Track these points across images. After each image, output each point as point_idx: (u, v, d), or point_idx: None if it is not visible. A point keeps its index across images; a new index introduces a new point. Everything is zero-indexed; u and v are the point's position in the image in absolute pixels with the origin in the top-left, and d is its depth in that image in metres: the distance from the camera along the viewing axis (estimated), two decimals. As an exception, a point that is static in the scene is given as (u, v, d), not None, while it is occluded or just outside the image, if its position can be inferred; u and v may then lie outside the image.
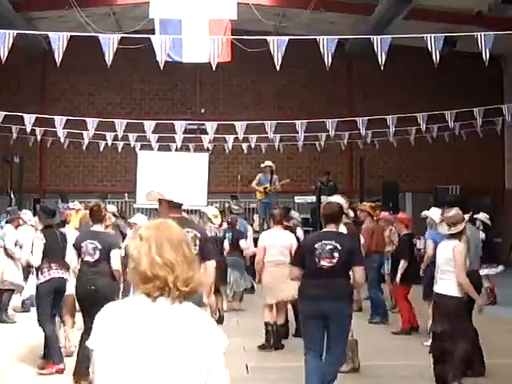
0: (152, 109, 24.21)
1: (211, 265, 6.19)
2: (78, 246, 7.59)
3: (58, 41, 10.77)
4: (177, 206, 6.54)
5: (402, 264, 10.39)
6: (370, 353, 8.46)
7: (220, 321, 11.25)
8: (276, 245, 9.43)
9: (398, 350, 9.42)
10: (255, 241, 14.01)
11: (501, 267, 13.83)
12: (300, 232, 13.26)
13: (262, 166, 18.54)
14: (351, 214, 11.09)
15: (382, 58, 10.92)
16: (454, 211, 7.36)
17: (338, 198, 8.33)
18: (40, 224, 8.37)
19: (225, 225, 13.31)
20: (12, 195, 18.89)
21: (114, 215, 12.20)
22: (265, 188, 18.06)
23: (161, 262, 2.58)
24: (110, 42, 10.91)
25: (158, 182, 20.64)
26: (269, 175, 18.31)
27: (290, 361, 8.41)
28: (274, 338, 9.37)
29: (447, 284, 7.14)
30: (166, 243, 2.63)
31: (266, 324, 9.47)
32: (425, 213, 10.10)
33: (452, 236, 7.22)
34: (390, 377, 7.95)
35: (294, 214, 13.98)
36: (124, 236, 11.37)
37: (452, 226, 7.20)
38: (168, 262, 2.59)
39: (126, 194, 21.32)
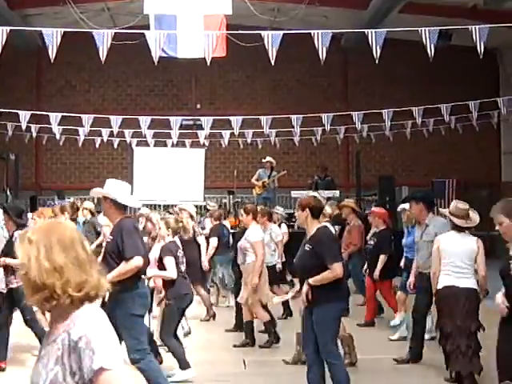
0: (147, 105, 24.19)
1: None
2: None
3: (52, 37, 10.73)
4: (121, 207, 6.48)
5: (383, 259, 10.37)
6: (368, 347, 8.47)
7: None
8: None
9: (393, 342, 9.41)
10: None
11: None
12: (284, 228, 13.21)
13: (264, 161, 18.55)
14: (329, 211, 11.07)
15: (377, 52, 10.90)
16: (463, 203, 7.26)
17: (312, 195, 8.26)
18: (12, 224, 8.23)
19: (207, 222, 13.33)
20: (8, 192, 18.86)
21: (91, 212, 12.11)
22: (263, 182, 18.09)
23: (49, 267, 2.39)
24: (104, 38, 10.88)
25: (154, 178, 20.75)
26: (268, 171, 18.35)
27: (286, 355, 8.41)
28: (276, 335, 9.27)
29: (472, 278, 7.01)
30: (56, 245, 2.44)
31: (269, 323, 9.24)
32: (404, 206, 9.92)
33: (465, 229, 7.07)
34: (388, 370, 7.96)
35: (279, 209, 13.95)
36: (98, 234, 11.25)
37: (466, 218, 7.05)
38: (57, 266, 2.40)
39: (123, 191, 21.29)
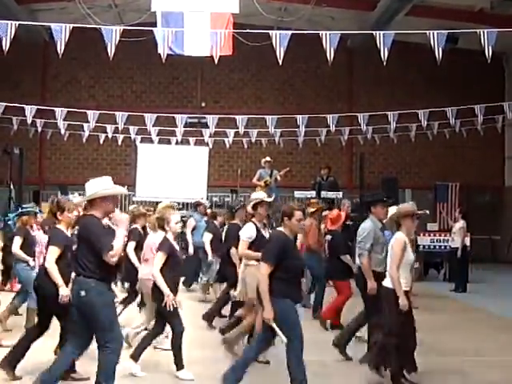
0: (153, 102, 24.20)
1: None
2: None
3: (60, 32, 10.75)
4: None
5: None
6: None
7: None
8: None
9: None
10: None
11: None
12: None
13: (263, 161, 18.52)
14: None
15: (384, 54, 10.89)
16: None
17: None
18: None
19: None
20: (11, 187, 18.88)
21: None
22: (265, 181, 18.07)
23: None
24: (112, 35, 10.88)
25: (157, 175, 20.78)
26: (269, 170, 18.32)
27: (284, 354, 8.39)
28: None
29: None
30: None
31: None
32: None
33: None
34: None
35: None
36: None
37: None
38: None
39: (126, 187, 21.30)
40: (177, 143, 20.79)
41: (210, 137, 20.63)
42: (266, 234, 8.39)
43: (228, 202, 20.23)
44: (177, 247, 7.56)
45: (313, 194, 18.67)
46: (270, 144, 21.33)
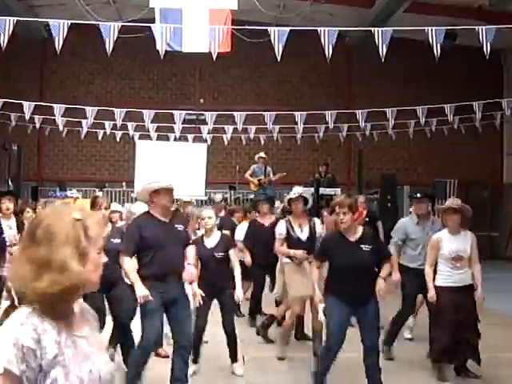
0: (151, 98, 24.18)
1: None
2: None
3: (59, 28, 10.74)
4: None
5: None
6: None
7: None
8: None
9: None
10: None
11: None
12: None
13: (256, 157, 18.51)
14: None
15: (382, 51, 10.88)
16: None
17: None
18: None
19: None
20: (10, 183, 18.87)
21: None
22: (259, 180, 18.06)
23: None
24: (110, 31, 10.88)
25: (156, 171, 20.72)
26: (263, 166, 18.31)
27: (286, 352, 8.42)
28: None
29: None
30: None
31: None
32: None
33: None
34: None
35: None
36: None
37: None
38: None
39: (124, 183, 21.32)
40: (175, 140, 20.76)
41: (209, 133, 20.63)
42: (304, 231, 8.38)
43: (226, 198, 20.23)
44: (210, 244, 7.50)
45: (311, 190, 18.68)
46: (269, 140, 21.33)
